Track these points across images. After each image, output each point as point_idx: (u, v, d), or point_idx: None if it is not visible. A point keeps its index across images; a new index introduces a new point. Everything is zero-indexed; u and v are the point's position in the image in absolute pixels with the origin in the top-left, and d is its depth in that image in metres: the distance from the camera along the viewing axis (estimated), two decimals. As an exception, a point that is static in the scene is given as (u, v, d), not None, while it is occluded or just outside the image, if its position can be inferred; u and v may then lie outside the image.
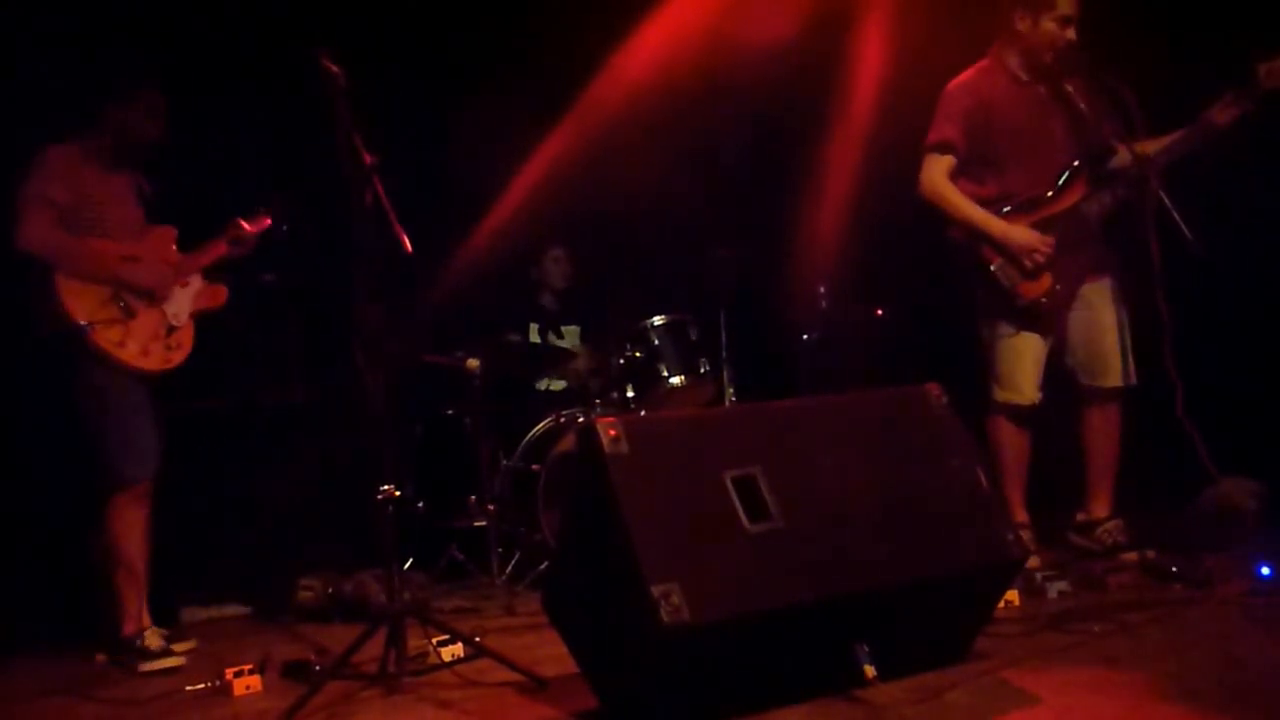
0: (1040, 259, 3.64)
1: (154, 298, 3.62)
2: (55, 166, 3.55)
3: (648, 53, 5.32)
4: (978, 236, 3.71)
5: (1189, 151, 3.55)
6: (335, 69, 3.07)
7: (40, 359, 3.56)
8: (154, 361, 3.58)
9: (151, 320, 3.61)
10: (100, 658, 3.57)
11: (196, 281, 3.79)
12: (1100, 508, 3.84)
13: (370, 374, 3.05)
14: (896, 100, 5.08)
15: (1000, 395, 3.78)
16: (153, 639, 3.47)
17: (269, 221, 3.91)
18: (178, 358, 3.65)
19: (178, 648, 3.51)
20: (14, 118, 3.98)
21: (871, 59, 5.34)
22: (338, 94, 3.07)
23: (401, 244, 3.01)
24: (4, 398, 4.07)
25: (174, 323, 3.67)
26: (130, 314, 3.55)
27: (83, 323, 3.43)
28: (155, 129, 3.71)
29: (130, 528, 3.54)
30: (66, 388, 3.52)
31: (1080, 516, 3.88)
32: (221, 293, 3.84)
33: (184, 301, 3.72)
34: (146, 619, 3.56)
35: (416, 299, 5.07)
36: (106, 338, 3.47)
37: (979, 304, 3.82)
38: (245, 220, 3.85)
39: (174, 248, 3.79)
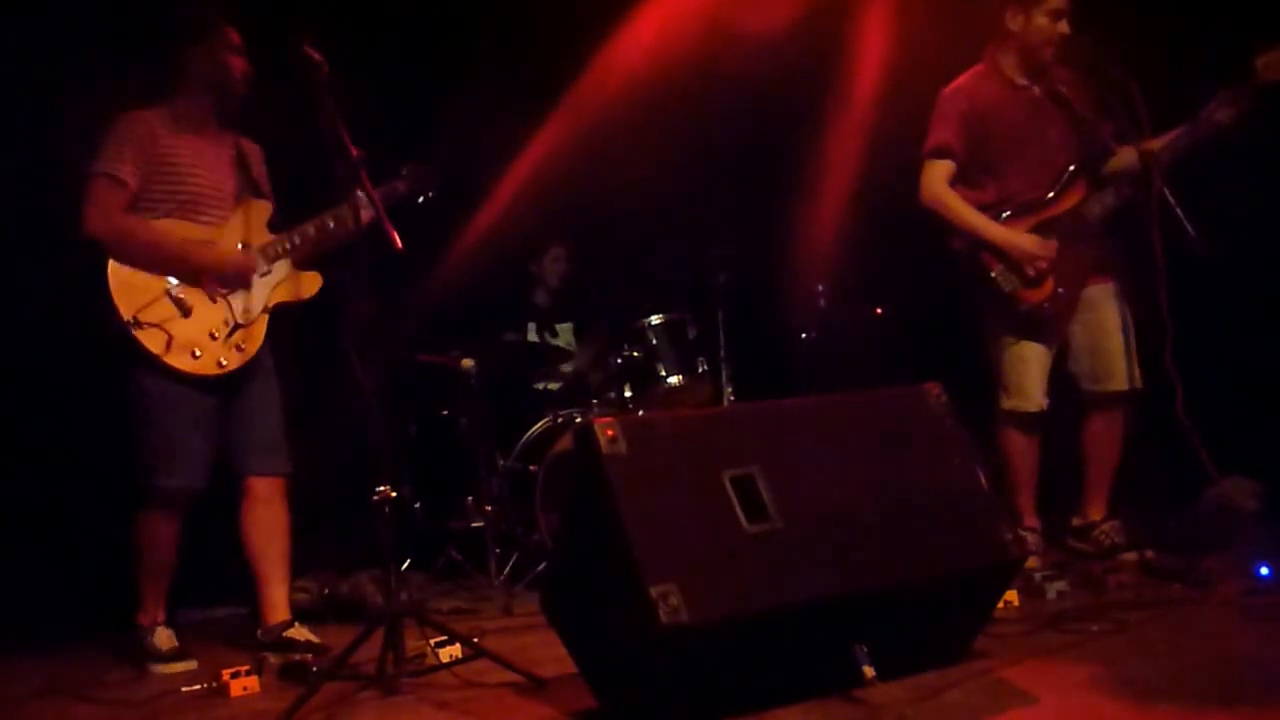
0: (1042, 265, 3.63)
1: (217, 290, 3.31)
2: (127, 136, 3.28)
3: (645, 49, 5.31)
4: (978, 243, 3.71)
5: (1190, 148, 3.54)
6: (317, 57, 2.92)
7: (99, 351, 3.31)
8: (207, 365, 3.26)
9: (210, 317, 3.30)
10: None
11: (282, 269, 3.44)
12: (1096, 510, 3.84)
13: (365, 374, 2.97)
14: (896, 98, 5.07)
15: (1008, 403, 3.77)
16: (162, 639, 3.40)
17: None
18: (238, 360, 3.32)
19: (175, 667, 3.36)
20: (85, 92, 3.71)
21: (871, 55, 5.34)
22: (322, 84, 2.91)
23: (392, 241, 2.88)
24: (32, 395, 3.98)
25: (241, 319, 3.33)
26: (185, 311, 3.26)
27: (126, 319, 3.17)
28: (239, 66, 3.39)
29: (158, 539, 3.38)
30: (119, 385, 3.29)
31: (1076, 521, 3.88)
32: (314, 281, 3.48)
33: (260, 293, 3.38)
34: (161, 615, 3.45)
35: (410, 298, 5.05)
36: (152, 340, 3.20)
37: (983, 312, 3.82)
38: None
39: (265, 226, 3.46)
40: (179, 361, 3.24)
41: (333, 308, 3.23)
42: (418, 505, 4.84)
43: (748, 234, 5.47)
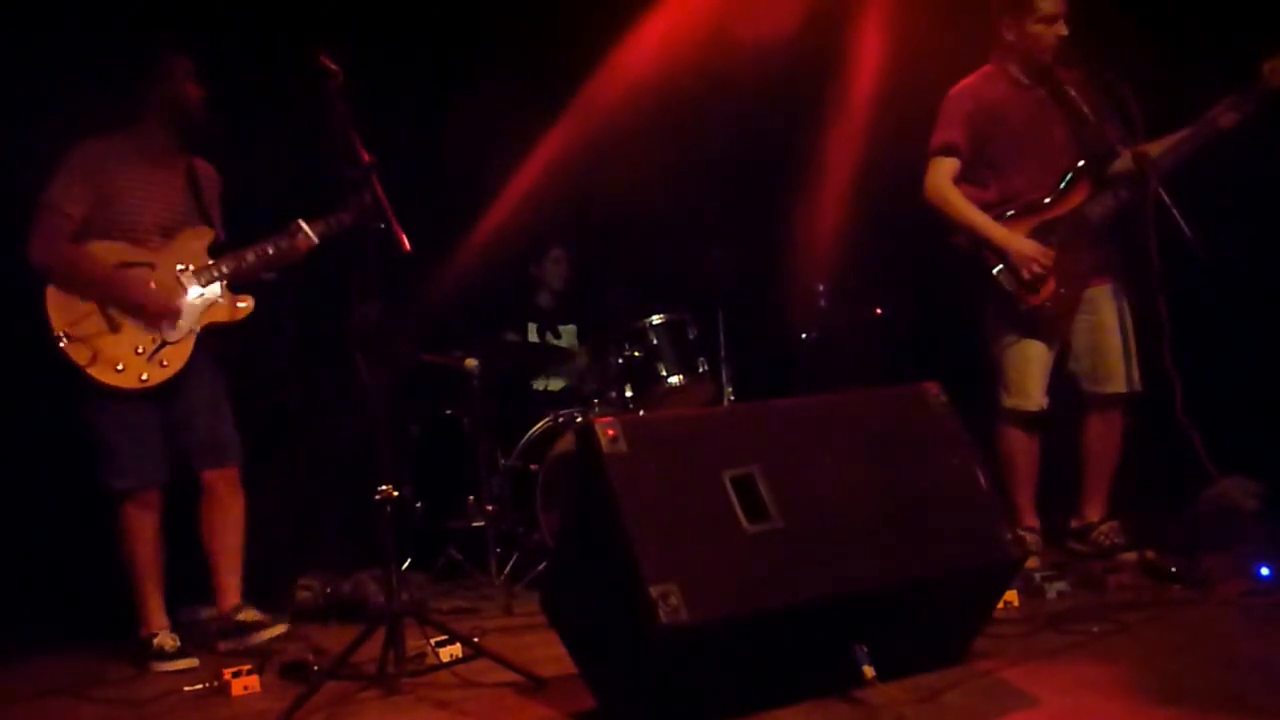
0: (1039, 270, 3.63)
1: (141, 313, 3.46)
2: (77, 166, 3.46)
3: (647, 52, 5.32)
4: (979, 242, 3.71)
5: (1193, 152, 3.55)
6: (334, 67, 3.03)
7: (53, 364, 3.45)
8: (127, 379, 3.42)
9: (137, 335, 3.45)
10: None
11: (215, 291, 3.60)
12: (1094, 511, 3.84)
13: (369, 374, 3.02)
14: (896, 98, 5.08)
15: (1008, 401, 3.77)
16: (165, 640, 3.45)
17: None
18: (160, 375, 3.47)
19: (177, 664, 3.43)
20: (52, 122, 3.84)
21: (870, 57, 5.34)
22: (336, 93, 3.02)
23: (400, 243, 2.98)
24: (19, 401, 4.06)
25: (168, 338, 3.49)
26: (114, 328, 3.42)
27: (57, 333, 3.35)
28: (195, 93, 3.59)
29: (136, 534, 3.50)
30: (71, 394, 3.45)
31: (1075, 522, 3.88)
32: (245, 306, 3.66)
33: (192, 314, 3.54)
34: (162, 620, 3.53)
35: (415, 298, 5.06)
36: (78, 353, 3.37)
37: (984, 310, 3.82)
38: (308, 224, 3.61)
39: (203, 252, 3.62)
40: (102, 374, 3.40)
41: (340, 309, 3.25)
42: (419, 505, 4.84)
43: (748, 234, 5.48)
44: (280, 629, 3.64)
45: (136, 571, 3.52)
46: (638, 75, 5.30)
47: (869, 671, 2.32)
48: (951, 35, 4.16)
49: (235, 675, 3.00)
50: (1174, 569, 3.31)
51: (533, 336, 5.34)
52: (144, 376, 3.45)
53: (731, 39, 5.22)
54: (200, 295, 3.58)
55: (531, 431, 4.65)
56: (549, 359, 5.20)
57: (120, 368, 3.41)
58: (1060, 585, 3.30)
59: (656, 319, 4.67)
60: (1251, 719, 2.18)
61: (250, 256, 3.64)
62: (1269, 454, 3.50)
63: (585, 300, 5.54)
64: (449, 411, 4.98)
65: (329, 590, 4.11)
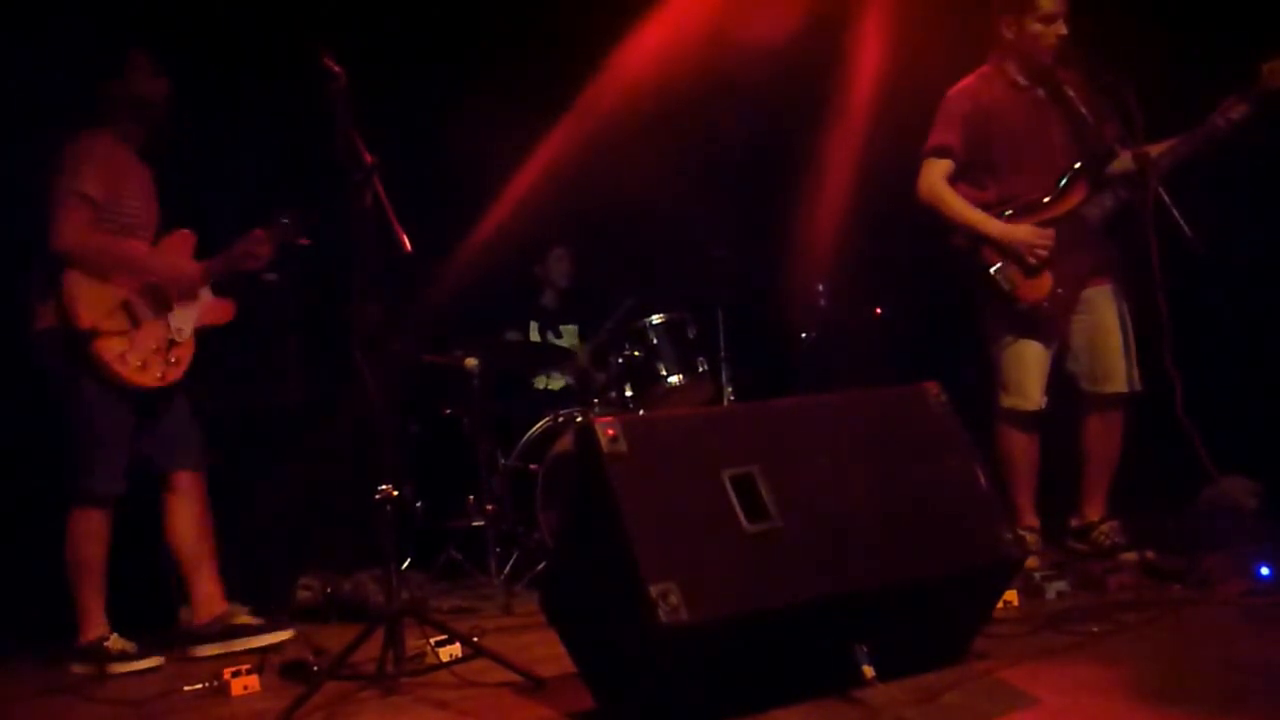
0: (1042, 253, 3.63)
1: (168, 307, 3.50)
2: (88, 156, 3.42)
3: (648, 52, 5.32)
4: (977, 239, 3.71)
5: (1192, 154, 3.55)
6: (337, 69, 3.03)
7: (35, 353, 3.43)
8: (150, 377, 3.44)
9: (155, 332, 3.49)
10: (75, 669, 3.42)
11: (205, 294, 3.67)
12: (1094, 511, 3.84)
13: (369, 374, 3.02)
14: (895, 99, 5.08)
15: (1007, 401, 3.77)
16: (116, 642, 3.40)
17: (304, 241, 3.71)
18: (174, 374, 3.52)
19: (139, 664, 3.40)
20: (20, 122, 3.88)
21: (870, 57, 5.34)
22: (339, 94, 3.03)
23: (401, 243, 2.99)
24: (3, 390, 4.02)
25: (177, 337, 3.53)
26: (136, 324, 3.43)
27: (86, 328, 3.31)
28: (160, 88, 3.56)
29: (96, 537, 3.43)
30: (57, 386, 3.41)
31: (1075, 522, 3.88)
32: (229, 308, 3.72)
33: (190, 314, 3.60)
34: (106, 623, 3.45)
35: (416, 298, 5.06)
36: (109, 348, 3.35)
37: (983, 310, 3.82)
38: (265, 230, 3.65)
39: (190, 254, 3.67)
40: (127, 370, 3.39)
41: (341, 309, 3.26)
42: (419, 504, 4.84)
43: (748, 234, 5.48)
44: (286, 634, 3.59)
45: (87, 575, 3.43)
46: (639, 75, 5.30)
47: (869, 671, 2.32)
48: (951, 35, 4.16)
49: (235, 675, 2.99)
50: (1174, 569, 3.31)
51: (535, 336, 5.34)
52: (160, 375, 3.48)
53: (732, 39, 5.22)
54: (196, 297, 3.64)
55: (531, 431, 4.65)
56: (550, 358, 5.20)
57: (142, 365, 3.42)
58: (1060, 585, 3.30)
59: (656, 318, 4.67)
60: (1251, 719, 2.18)
61: (231, 258, 3.66)
62: (1269, 454, 3.50)
63: (587, 300, 5.54)
64: (449, 411, 4.98)
65: (329, 590, 4.11)
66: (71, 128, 3.49)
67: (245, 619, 3.62)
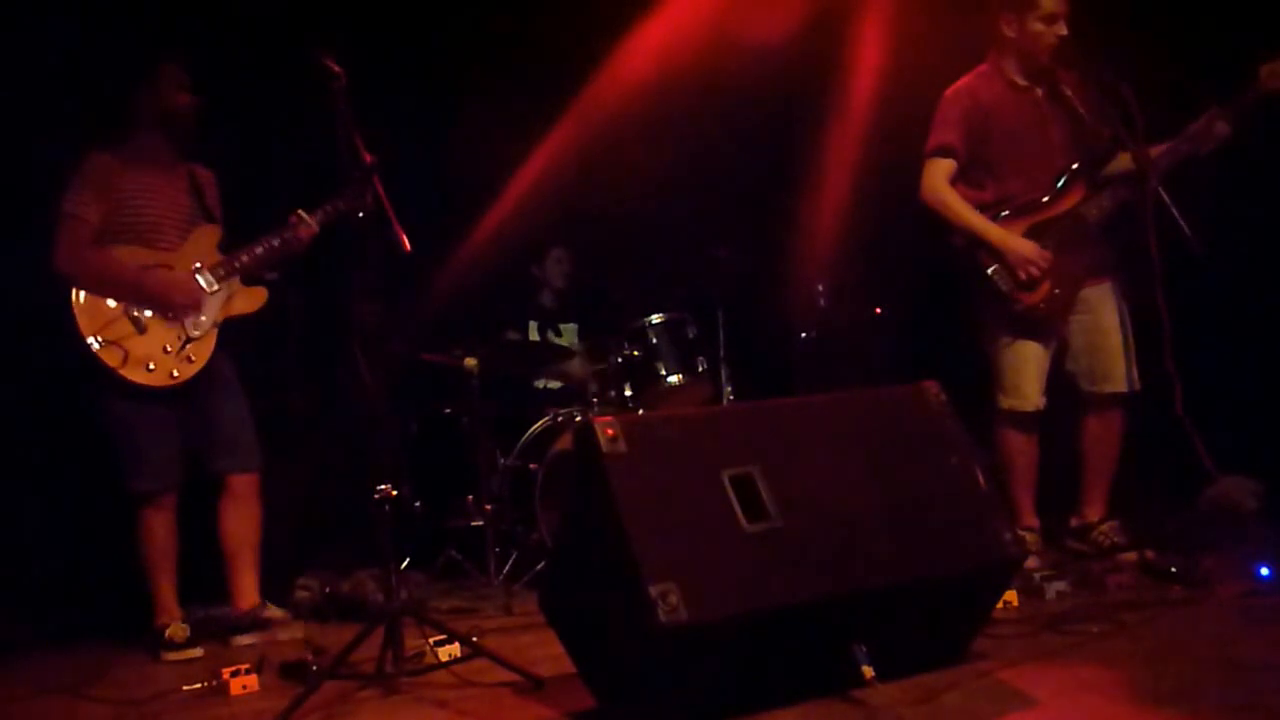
0: (1035, 273, 3.63)
1: (170, 311, 3.60)
2: (89, 175, 3.58)
3: (647, 52, 5.32)
4: (976, 242, 3.71)
5: (1191, 154, 3.55)
6: (337, 69, 3.07)
7: (72, 368, 3.59)
8: (159, 377, 3.55)
9: (164, 333, 3.59)
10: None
11: (232, 285, 3.75)
12: (1094, 511, 3.84)
13: (369, 373, 3.04)
14: (895, 99, 5.08)
15: (1005, 402, 3.77)
16: (176, 630, 3.55)
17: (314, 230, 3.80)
18: (189, 370, 3.61)
19: (183, 654, 3.55)
20: (51, 131, 3.97)
21: (870, 57, 5.34)
22: (339, 94, 3.06)
23: (401, 243, 3.04)
24: (30, 403, 4.14)
25: (192, 333, 3.63)
26: (141, 329, 3.54)
27: (87, 340, 3.46)
28: (185, 100, 3.71)
29: (153, 533, 3.63)
30: (85, 398, 3.58)
31: (1074, 521, 3.88)
32: (259, 295, 3.81)
33: (211, 309, 3.69)
34: (175, 611, 3.64)
35: (415, 298, 5.06)
36: (111, 356, 3.48)
37: (981, 311, 3.82)
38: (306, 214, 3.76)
39: (215, 249, 3.77)
40: (135, 375, 3.52)
41: (340, 308, 3.27)
42: (418, 504, 4.84)
43: (748, 234, 5.47)
44: (300, 628, 3.76)
45: (151, 566, 3.65)
46: (639, 76, 5.30)
47: (869, 671, 2.32)
48: (951, 35, 4.16)
49: (234, 675, 2.99)
50: (1174, 569, 3.30)
51: (534, 335, 5.34)
52: (174, 373, 3.58)
53: (732, 40, 5.22)
54: (217, 290, 3.71)
55: (531, 430, 4.65)
56: (549, 357, 5.20)
57: (151, 366, 3.54)
58: (1060, 585, 3.30)
59: (656, 318, 4.67)
60: (1252, 719, 2.18)
61: (259, 250, 3.78)
62: (1269, 454, 3.49)
63: (586, 299, 5.53)
64: (448, 410, 4.98)
65: (328, 590, 4.11)
66: (86, 142, 3.64)
67: (274, 612, 3.78)
